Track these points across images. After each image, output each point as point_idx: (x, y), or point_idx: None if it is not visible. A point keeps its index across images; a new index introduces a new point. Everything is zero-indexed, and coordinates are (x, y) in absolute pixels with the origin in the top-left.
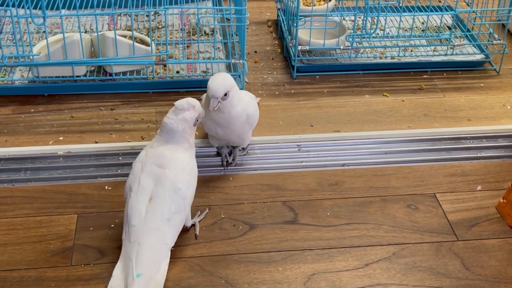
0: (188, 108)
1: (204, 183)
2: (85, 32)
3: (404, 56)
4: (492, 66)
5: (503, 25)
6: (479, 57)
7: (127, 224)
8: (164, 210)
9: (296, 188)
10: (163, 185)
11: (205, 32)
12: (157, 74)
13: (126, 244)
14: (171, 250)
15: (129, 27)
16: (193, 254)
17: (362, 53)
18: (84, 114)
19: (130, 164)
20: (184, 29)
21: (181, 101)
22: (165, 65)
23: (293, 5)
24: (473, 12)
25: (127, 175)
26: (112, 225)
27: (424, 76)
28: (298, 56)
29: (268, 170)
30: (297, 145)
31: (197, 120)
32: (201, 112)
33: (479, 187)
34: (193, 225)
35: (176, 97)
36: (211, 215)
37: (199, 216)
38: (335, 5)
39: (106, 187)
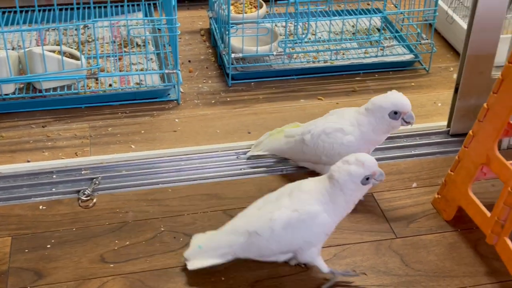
0: (355, 163)
1: (143, 196)
2: (13, 49)
3: (336, 59)
4: (422, 65)
5: (430, 25)
6: (408, 57)
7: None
8: (250, 221)
9: (236, 196)
10: (264, 214)
11: (137, 44)
12: (89, 88)
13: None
14: (110, 267)
15: (58, 42)
16: (134, 270)
17: (295, 58)
18: (14, 133)
19: (64, 182)
20: (115, 42)
21: (350, 155)
22: (96, 79)
23: (224, 13)
24: (401, 13)
25: (62, 193)
26: (49, 246)
27: (357, 78)
28: (232, 64)
29: (207, 180)
30: (236, 153)
31: (367, 179)
32: (378, 174)
33: (414, 184)
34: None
35: (110, 111)
36: (150, 229)
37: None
38: (267, 11)
39: (41, 207)
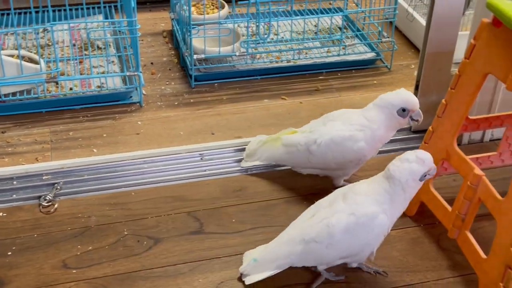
0: (416, 161)
1: (106, 200)
2: None
3: (299, 59)
4: (384, 63)
5: (391, 23)
6: (370, 55)
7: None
8: (306, 230)
9: (200, 197)
10: (319, 220)
11: (98, 47)
12: (49, 93)
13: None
14: (72, 273)
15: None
16: (97, 275)
17: (258, 58)
18: None
19: (25, 188)
20: (75, 45)
21: (409, 153)
22: (57, 83)
23: (186, 14)
24: (362, 12)
25: (22, 199)
26: (9, 253)
27: (320, 77)
28: (194, 65)
29: (171, 182)
30: (200, 154)
31: (425, 176)
32: (433, 168)
33: None
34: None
35: (71, 115)
36: (113, 233)
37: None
38: (229, 12)
39: (1, 214)
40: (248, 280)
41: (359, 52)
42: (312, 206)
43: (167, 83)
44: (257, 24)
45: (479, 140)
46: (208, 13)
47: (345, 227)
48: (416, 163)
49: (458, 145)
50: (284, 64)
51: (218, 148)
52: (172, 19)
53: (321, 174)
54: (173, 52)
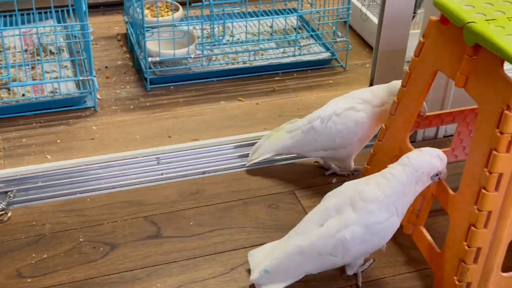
0: (436, 156)
1: (60, 207)
2: None
3: (255, 60)
4: (339, 62)
5: (345, 23)
6: (325, 55)
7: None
8: (319, 245)
9: (157, 201)
10: (331, 233)
11: (50, 52)
12: (1, 99)
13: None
14: (27, 282)
15: None
16: (52, 283)
17: (214, 60)
18: None
19: None
20: (27, 50)
21: (430, 148)
22: (8, 89)
23: (140, 17)
24: (316, 12)
25: None
26: None
27: (276, 78)
28: (149, 68)
29: (127, 187)
30: (156, 158)
31: (436, 176)
32: (444, 172)
33: (334, 180)
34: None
35: (24, 121)
36: (68, 240)
37: (362, 266)
38: (183, 14)
39: None
40: None
41: (314, 52)
42: (318, 209)
43: (122, 86)
44: (212, 26)
45: (433, 137)
46: (162, 16)
47: (360, 240)
48: (436, 158)
49: (413, 142)
50: (240, 65)
51: (175, 151)
52: (126, 22)
53: (326, 159)
54: (128, 55)
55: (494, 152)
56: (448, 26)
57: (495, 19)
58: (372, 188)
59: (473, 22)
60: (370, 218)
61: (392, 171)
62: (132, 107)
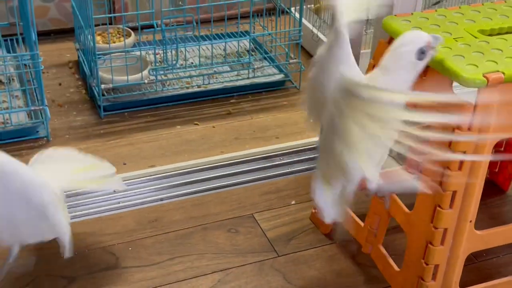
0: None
1: None
2: None
3: (209, 83)
4: (293, 83)
5: (297, 44)
6: (279, 77)
7: None
8: None
9: (115, 231)
10: None
11: (0, 82)
12: None
13: None
14: None
15: None
16: None
17: (168, 85)
18: None
19: None
20: None
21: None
22: None
23: (91, 44)
24: (269, 34)
25: None
26: None
27: (232, 101)
28: (103, 95)
29: (83, 217)
30: None
31: (423, 53)
32: (430, 41)
33: (293, 201)
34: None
35: None
36: (25, 275)
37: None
38: (136, 40)
39: None
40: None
41: (268, 74)
42: None
43: (75, 114)
44: (164, 50)
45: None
46: (114, 42)
47: None
48: (403, 46)
49: None
50: (195, 89)
51: (131, 179)
52: (78, 49)
53: None
54: (80, 82)
55: (447, 170)
56: None
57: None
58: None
59: None
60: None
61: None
62: (86, 135)
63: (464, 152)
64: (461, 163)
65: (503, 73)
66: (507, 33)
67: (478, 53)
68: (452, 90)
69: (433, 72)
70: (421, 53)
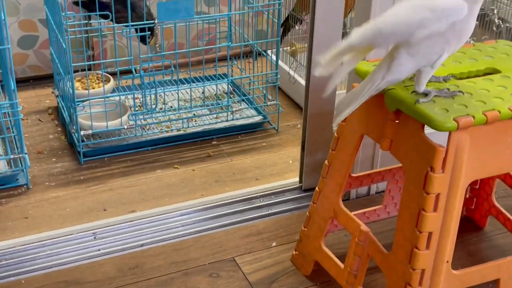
0: None
1: None
2: None
3: (188, 127)
4: (271, 125)
5: (275, 86)
6: (258, 118)
7: None
8: None
9: (95, 279)
10: None
11: None
12: None
13: None
14: None
15: None
16: None
17: (148, 129)
18: None
19: None
20: None
21: None
22: None
23: (70, 91)
24: (247, 77)
25: None
26: None
27: (211, 143)
28: (82, 141)
29: (63, 266)
30: (93, 233)
31: None
32: None
33: (273, 243)
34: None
35: None
36: None
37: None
38: (115, 85)
39: None
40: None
41: (247, 116)
42: None
43: (55, 161)
44: (143, 95)
45: (366, 194)
46: (93, 88)
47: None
48: None
49: (347, 199)
50: (175, 133)
51: (111, 225)
52: (57, 95)
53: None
54: (60, 129)
55: (423, 212)
56: None
57: (412, 85)
58: None
59: (393, 88)
60: None
61: None
62: (66, 181)
63: (438, 194)
64: (436, 204)
65: (473, 116)
66: (476, 76)
67: (448, 97)
68: (424, 133)
69: (405, 116)
70: None
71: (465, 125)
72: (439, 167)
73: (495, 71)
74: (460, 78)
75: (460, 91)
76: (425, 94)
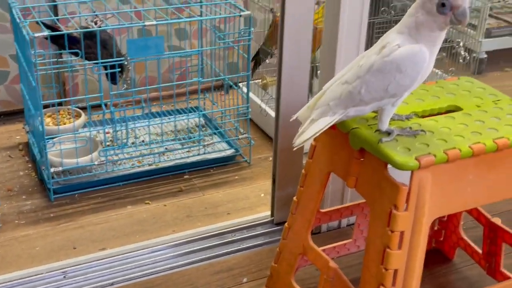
0: None
1: None
2: None
3: (160, 161)
4: (243, 158)
5: (246, 120)
6: (230, 152)
7: None
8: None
9: None
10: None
11: None
12: None
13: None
14: None
15: None
16: None
17: (119, 164)
18: None
19: None
20: None
21: None
22: None
23: (40, 128)
24: (220, 111)
25: None
26: None
27: (183, 177)
28: (53, 178)
29: None
30: (63, 273)
31: (443, 6)
32: (461, 8)
33: (244, 279)
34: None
35: None
36: None
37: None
38: (86, 119)
39: None
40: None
41: (219, 149)
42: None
43: (25, 198)
44: (114, 130)
45: (337, 227)
46: (64, 123)
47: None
48: None
49: (318, 233)
50: (146, 168)
51: (81, 264)
52: (28, 131)
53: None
54: (30, 165)
55: (388, 249)
56: (336, 131)
57: (375, 123)
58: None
59: (357, 127)
60: (388, 49)
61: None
62: (36, 219)
63: (403, 231)
64: (401, 242)
65: (434, 155)
66: (438, 114)
67: (410, 136)
68: (387, 172)
69: (370, 155)
70: (442, 5)
71: (426, 164)
72: (402, 205)
73: (457, 109)
74: (423, 116)
75: (422, 130)
76: (388, 133)
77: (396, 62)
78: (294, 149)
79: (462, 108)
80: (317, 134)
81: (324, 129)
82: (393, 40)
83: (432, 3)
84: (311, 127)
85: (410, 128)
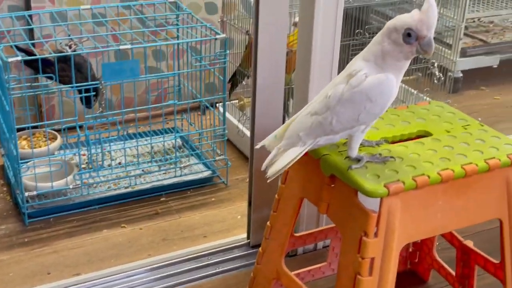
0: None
1: None
2: None
3: (136, 184)
4: (220, 179)
5: (223, 141)
6: (207, 173)
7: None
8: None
9: None
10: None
11: None
12: None
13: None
14: None
15: None
16: None
17: (95, 187)
18: None
19: None
20: None
21: None
22: None
23: (14, 151)
24: (197, 132)
25: None
26: None
27: (160, 200)
28: (27, 202)
29: None
30: None
31: (409, 36)
32: (426, 39)
33: None
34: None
35: None
36: None
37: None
38: (62, 142)
39: None
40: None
41: (196, 171)
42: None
43: None
44: (89, 153)
45: (313, 249)
46: (40, 146)
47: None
48: (407, 15)
49: (294, 255)
50: (122, 190)
51: None
52: (3, 154)
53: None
54: (5, 188)
55: (359, 276)
56: (308, 157)
57: (346, 150)
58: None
59: (327, 154)
60: (355, 78)
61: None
62: (10, 244)
63: (373, 258)
64: (371, 268)
65: (403, 182)
66: (408, 139)
67: (380, 163)
68: (357, 199)
69: (340, 181)
70: (408, 35)
71: (395, 191)
72: (372, 232)
73: (427, 134)
74: (393, 142)
75: (391, 156)
76: (358, 160)
77: (366, 92)
78: (268, 181)
79: (432, 133)
80: (289, 165)
81: (296, 159)
82: (360, 68)
83: (398, 33)
84: (282, 158)
85: (380, 154)
